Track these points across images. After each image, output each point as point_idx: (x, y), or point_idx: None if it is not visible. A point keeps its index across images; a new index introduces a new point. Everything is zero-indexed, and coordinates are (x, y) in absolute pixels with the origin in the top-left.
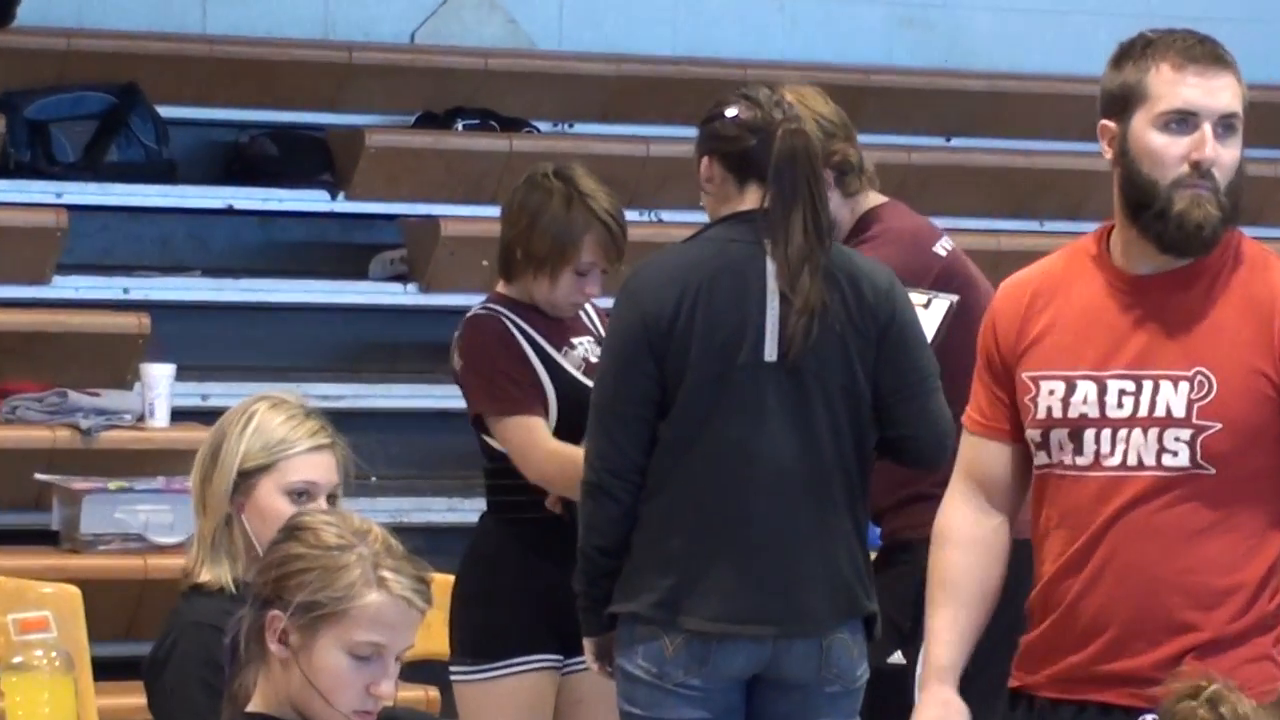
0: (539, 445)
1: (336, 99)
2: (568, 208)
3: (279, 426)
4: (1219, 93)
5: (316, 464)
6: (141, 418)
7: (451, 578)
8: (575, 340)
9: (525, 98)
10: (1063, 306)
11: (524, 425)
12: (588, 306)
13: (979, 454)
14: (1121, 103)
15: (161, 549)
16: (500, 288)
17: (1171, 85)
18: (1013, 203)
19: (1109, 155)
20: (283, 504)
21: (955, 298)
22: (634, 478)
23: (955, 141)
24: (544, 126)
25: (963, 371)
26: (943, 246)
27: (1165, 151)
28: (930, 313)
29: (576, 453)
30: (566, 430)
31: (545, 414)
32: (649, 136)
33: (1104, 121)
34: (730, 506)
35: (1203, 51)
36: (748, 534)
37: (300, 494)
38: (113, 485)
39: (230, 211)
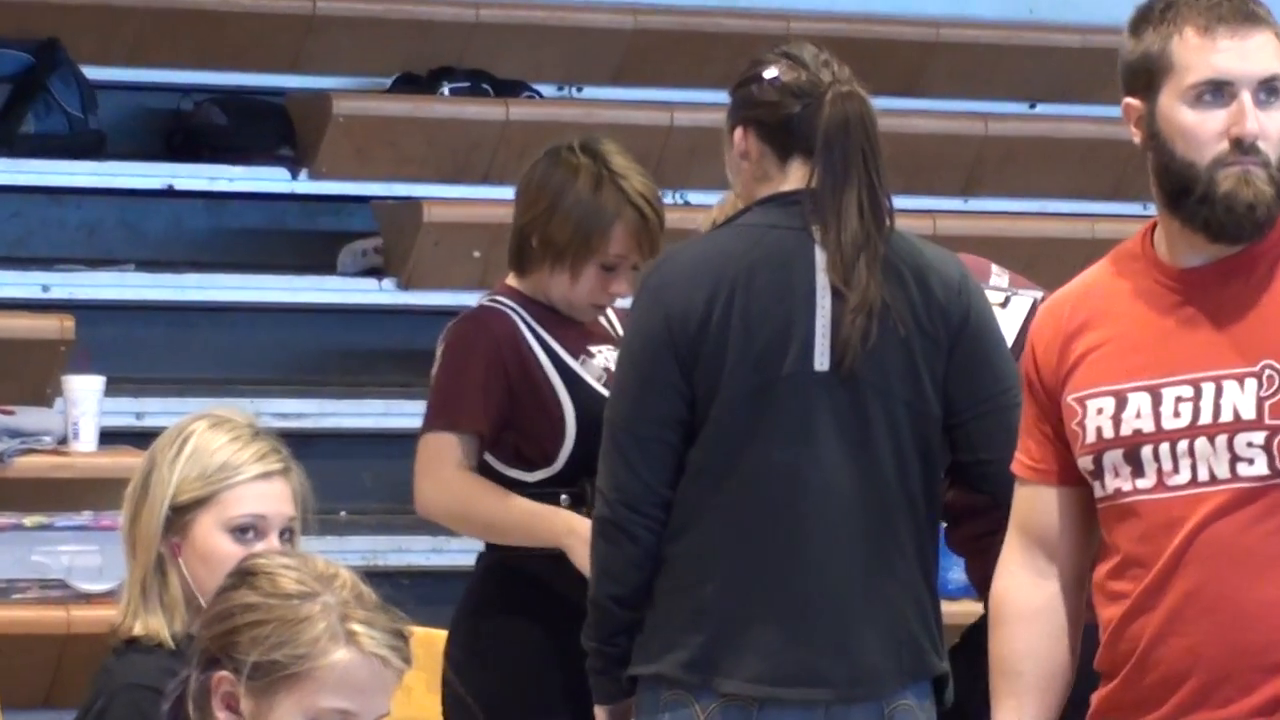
0: (437, 467)
1: (298, 57)
2: (596, 189)
3: (219, 450)
4: (1255, 54)
5: (265, 494)
6: (64, 440)
7: (441, 633)
8: (594, 348)
9: (524, 56)
10: (1107, 317)
11: (438, 442)
12: (608, 310)
13: (1033, 505)
14: (1145, 77)
15: (88, 598)
16: (511, 280)
17: (1199, 52)
18: (1110, 181)
19: (1137, 138)
20: (225, 544)
21: (1039, 293)
22: (656, 513)
23: (1041, 108)
24: (547, 90)
25: None
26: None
27: (1200, 129)
28: (1009, 313)
29: (470, 487)
30: (586, 457)
31: (484, 432)
32: (673, 102)
33: (1127, 100)
34: (774, 546)
35: (1231, 9)
36: (795, 579)
37: (246, 531)
38: (29, 522)
39: (170, 193)
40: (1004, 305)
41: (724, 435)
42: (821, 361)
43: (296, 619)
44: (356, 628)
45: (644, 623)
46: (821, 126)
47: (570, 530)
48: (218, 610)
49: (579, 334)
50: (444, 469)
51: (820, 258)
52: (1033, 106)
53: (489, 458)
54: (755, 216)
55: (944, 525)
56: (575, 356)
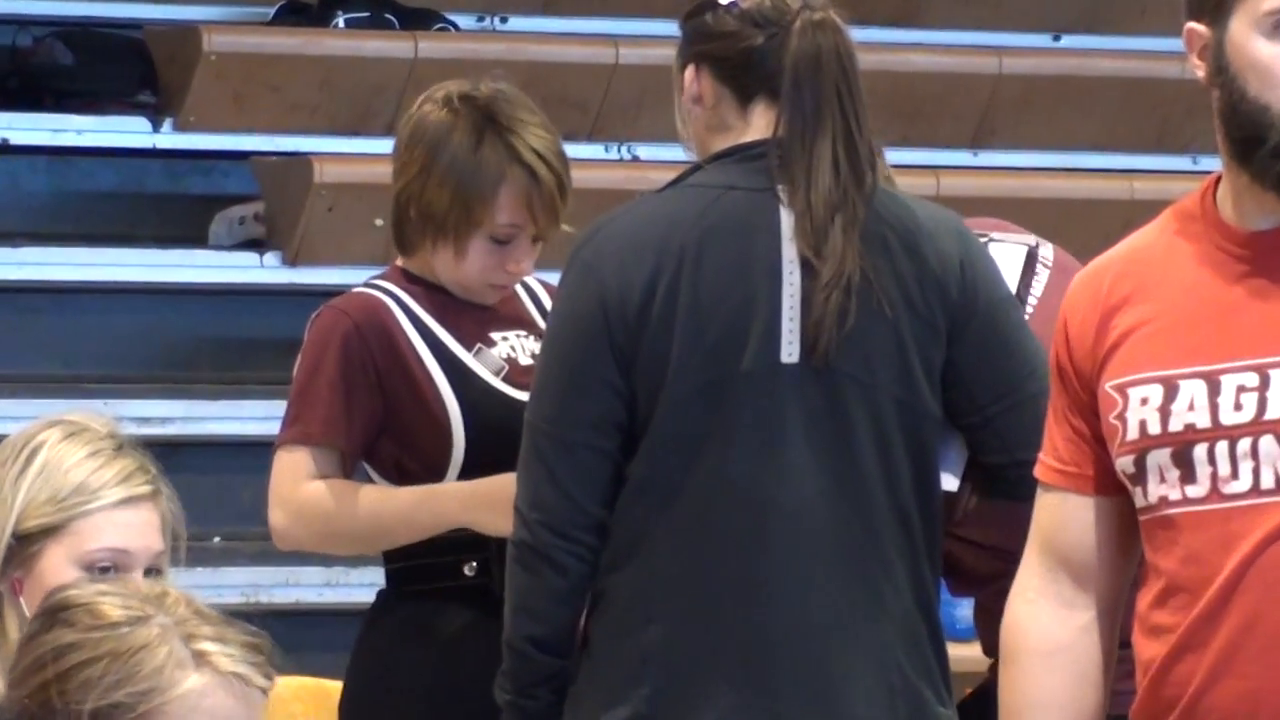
0: (289, 488)
1: None
2: (476, 145)
3: (75, 468)
4: None
5: (129, 524)
6: None
7: (336, 684)
8: (498, 334)
9: None
10: (1157, 288)
11: (290, 459)
12: (534, 285)
13: (1058, 517)
14: None
15: None
16: (400, 261)
17: None
18: (1152, 129)
19: (1201, 73)
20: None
21: (1032, 241)
22: (587, 538)
23: (1067, 40)
24: (463, 22)
25: None
26: None
27: (1275, 65)
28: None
29: (327, 495)
30: (482, 470)
31: (344, 446)
32: (618, 35)
33: (1190, 24)
34: (734, 579)
35: None
36: (760, 618)
37: (105, 569)
38: None
39: (3, 149)
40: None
41: (671, 444)
42: (789, 352)
43: (131, 649)
44: (205, 646)
45: (576, 673)
46: (789, 62)
47: (465, 503)
48: (29, 661)
49: (478, 319)
50: (295, 488)
51: (787, 223)
52: (1057, 39)
53: (370, 472)
54: (709, 175)
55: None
56: (469, 347)
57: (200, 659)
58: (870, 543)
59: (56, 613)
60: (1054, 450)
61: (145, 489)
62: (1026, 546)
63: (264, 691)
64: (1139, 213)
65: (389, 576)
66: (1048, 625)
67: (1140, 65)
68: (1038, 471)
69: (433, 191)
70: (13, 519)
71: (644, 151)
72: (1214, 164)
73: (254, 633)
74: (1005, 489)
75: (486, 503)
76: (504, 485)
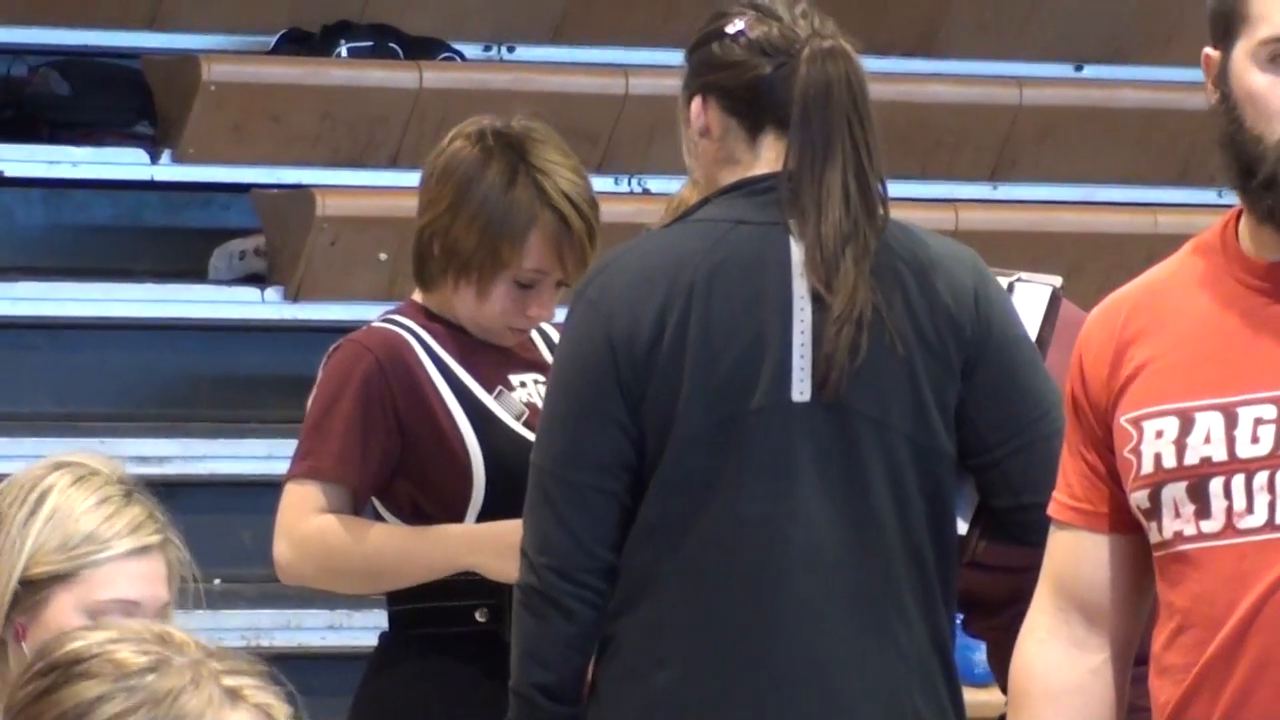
0: (294, 520)
1: (158, 11)
2: (509, 185)
3: (86, 516)
4: None
5: (139, 574)
6: None
7: None
8: (517, 378)
9: (442, 7)
10: (1174, 320)
11: (299, 493)
12: (547, 329)
13: (1072, 555)
14: (1223, 22)
15: None
16: (416, 296)
17: (1272, 3)
18: (1176, 162)
19: (1213, 98)
20: None
21: (1057, 281)
22: (596, 582)
23: (1089, 71)
24: (470, 51)
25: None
26: None
27: (1268, 96)
28: (1020, 306)
29: (332, 529)
30: (499, 514)
31: (356, 485)
32: (628, 65)
33: (1207, 50)
34: (745, 621)
35: None
36: (772, 661)
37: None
38: None
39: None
40: (1008, 292)
41: (681, 484)
42: (801, 390)
43: (171, 693)
44: (231, 681)
45: (583, 718)
46: (798, 91)
47: (471, 545)
48: None
49: (497, 361)
50: (301, 521)
51: (798, 258)
52: (1079, 69)
53: (383, 512)
54: (717, 209)
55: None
56: (490, 389)
57: (234, 695)
58: (884, 583)
59: (70, 666)
60: (1068, 487)
61: (155, 538)
62: (1039, 585)
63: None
64: (1162, 247)
65: (393, 619)
66: (1058, 666)
67: (1164, 96)
68: (1052, 509)
69: (460, 229)
70: (21, 564)
71: (655, 184)
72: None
73: (253, 661)
74: (1012, 533)
75: (493, 547)
76: (513, 530)
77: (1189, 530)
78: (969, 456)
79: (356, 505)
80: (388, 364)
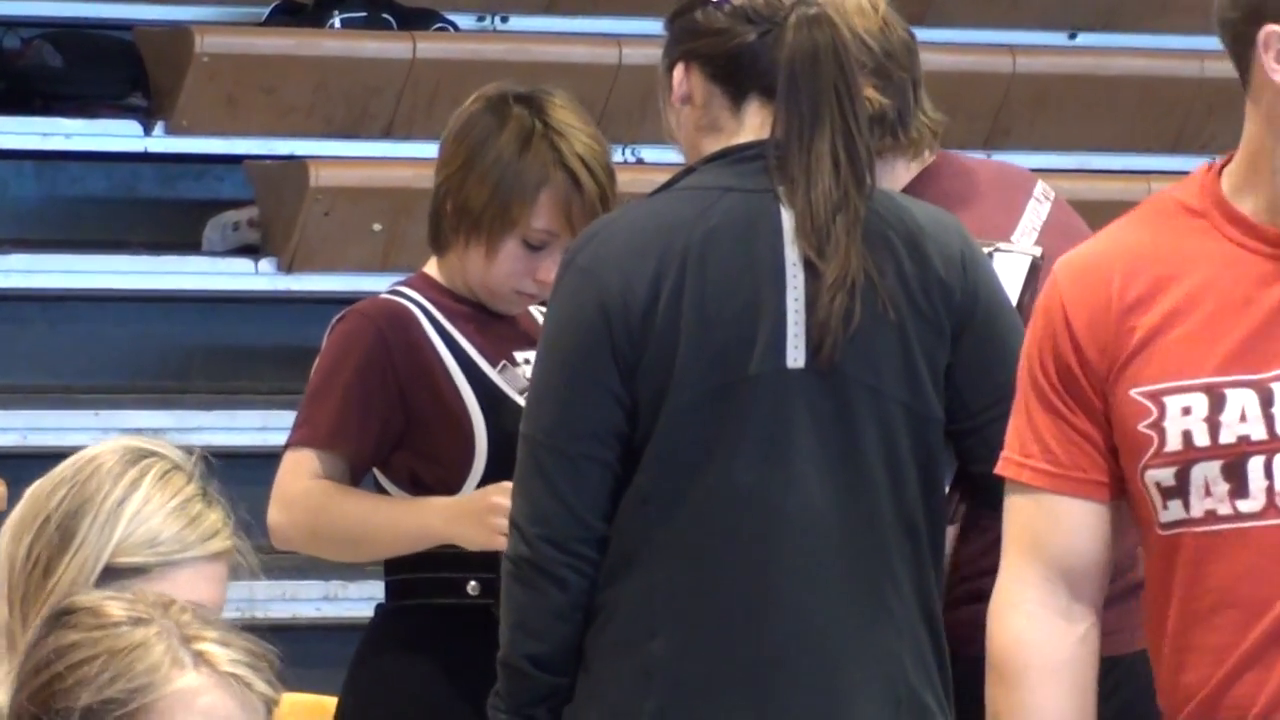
0: (289, 484)
1: None
2: (523, 146)
3: (174, 515)
4: None
5: (209, 578)
6: None
7: (332, 700)
8: (521, 354)
9: None
10: (1176, 287)
11: (296, 458)
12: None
13: (1054, 522)
14: None
15: None
16: (429, 267)
17: None
18: (1170, 130)
19: (1277, 76)
20: None
21: (1038, 251)
22: (588, 551)
23: (1083, 39)
24: (463, 21)
25: None
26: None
27: None
28: (1001, 274)
29: (320, 493)
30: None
31: (355, 455)
32: (621, 35)
33: (1271, 27)
34: (740, 590)
35: None
36: (767, 630)
37: None
38: None
39: None
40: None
41: (675, 452)
42: (795, 356)
43: (130, 646)
44: (205, 646)
45: (575, 688)
46: (784, 59)
47: (447, 515)
48: (32, 665)
49: (503, 335)
50: (295, 483)
51: (789, 224)
52: (1073, 37)
53: (387, 485)
54: (703, 177)
55: None
56: (494, 363)
57: (199, 658)
58: (877, 550)
59: (61, 616)
60: (1044, 452)
61: (227, 544)
62: (1011, 553)
63: (267, 701)
64: None
65: (389, 588)
66: (1050, 640)
67: (1158, 64)
68: (1015, 473)
69: (472, 187)
70: (109, 550)
71: (649, 154)
72: None
73: (261, 644)
74: (992, 500)
75: (469, 516)
76: (481, 498)
77: (1224, 509)
78: (952, 421)
79: (354, 476)
80: (391, 335)
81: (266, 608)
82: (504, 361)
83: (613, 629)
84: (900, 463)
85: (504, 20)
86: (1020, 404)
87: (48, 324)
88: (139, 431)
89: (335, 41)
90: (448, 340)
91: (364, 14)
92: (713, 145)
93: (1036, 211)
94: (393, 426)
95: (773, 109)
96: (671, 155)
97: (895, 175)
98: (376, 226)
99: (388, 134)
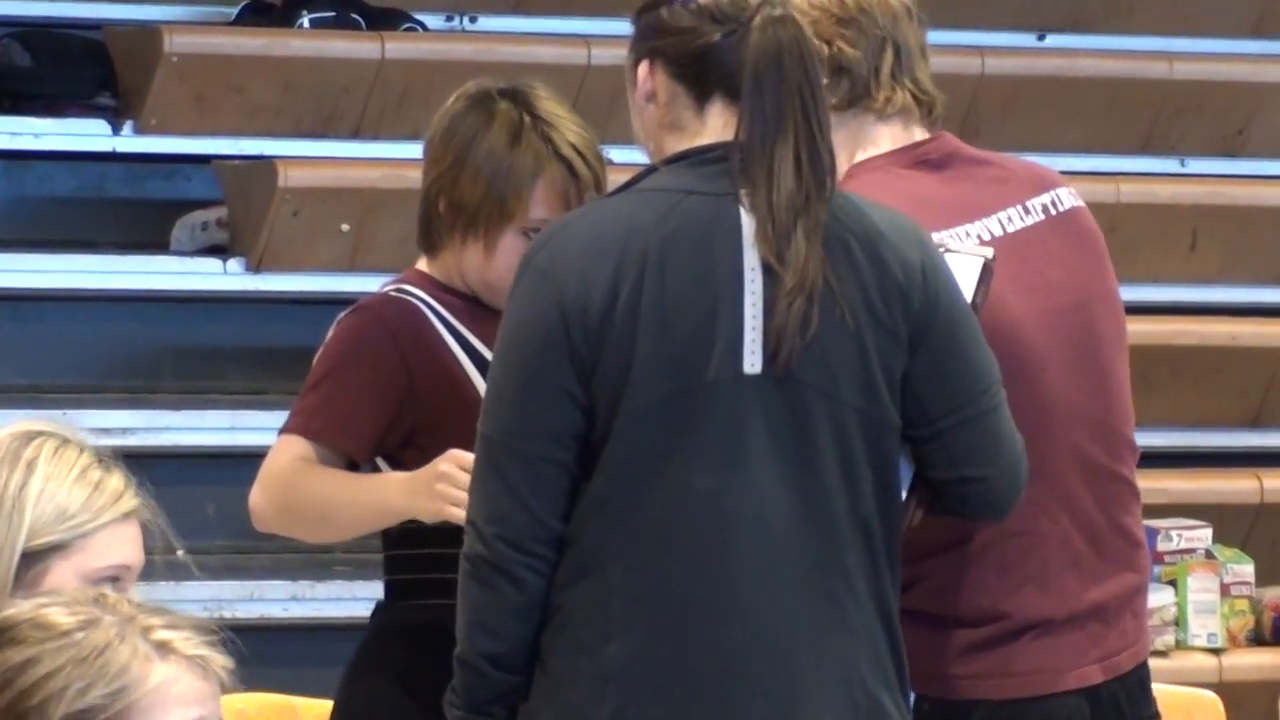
0: (272, 461)
1: None
2: (514, 140)
3: (75, 486)
4: None
5: (126, 539)
6: None
7: (303, 702)
8: None
9: None
10: None
11: (287, 443)
12: None
13: None
14: None
15: None
16: (422, 264)
17: None
18: (1138, 132)
19: None
20: None
21: (989, 252)
22: (545, 551)
23: (1052, 40)
24: (432, 22)
25: None
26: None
27: None
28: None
29: (296, 470)
30: None
31: (352, 453)
32: (590, 35)
33: None
34: (696, 594)
35: None
36: (724, 634)
37: (109, 581)
38: None
39: None
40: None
41: (632, 456)
42: (752, 362)
43: (94, 651)
44: (163, 635)
45: (530, 690)
46: (749, 59)
47: (405, 488)
48: None
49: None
50: (276, 462)
51: (749, 228)
52: (1041, 38)
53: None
54: (666, 179)
55: None
56: None
57: (163, 648)
58: (833, 556)
59: (2, 633)
60: None
61: (135, 503)
62: None
63: (225, 670)
64: (1125, 216)
65: (388, 588)
66: None
67: (1127, 65)
68: None
69: (466, 184)
70: (23, 537)
71: (618, 154)
72: (1202, 165)
73: (200, 620)
74: (948, 505)
75: (421, 487)
76: (431, 467)
77: None
78: (910, 428)
79: (350, 468)
80: (401, 333)
81: (234, 608)
82: None
83: (570, 630)
84: (856, 468)
85: (473, 20)
86: None
87: (15, 323)
88: (108, 431)
89: (304, 41)
90: (456, 335)
91: (333, 14)
92: (676, 144)
93: (1011, 219)
94: (400, 426)
95: (736, 109)
96: (641, 155)
97: (865, 133)
98: (345, 226)
99: (356, 134)
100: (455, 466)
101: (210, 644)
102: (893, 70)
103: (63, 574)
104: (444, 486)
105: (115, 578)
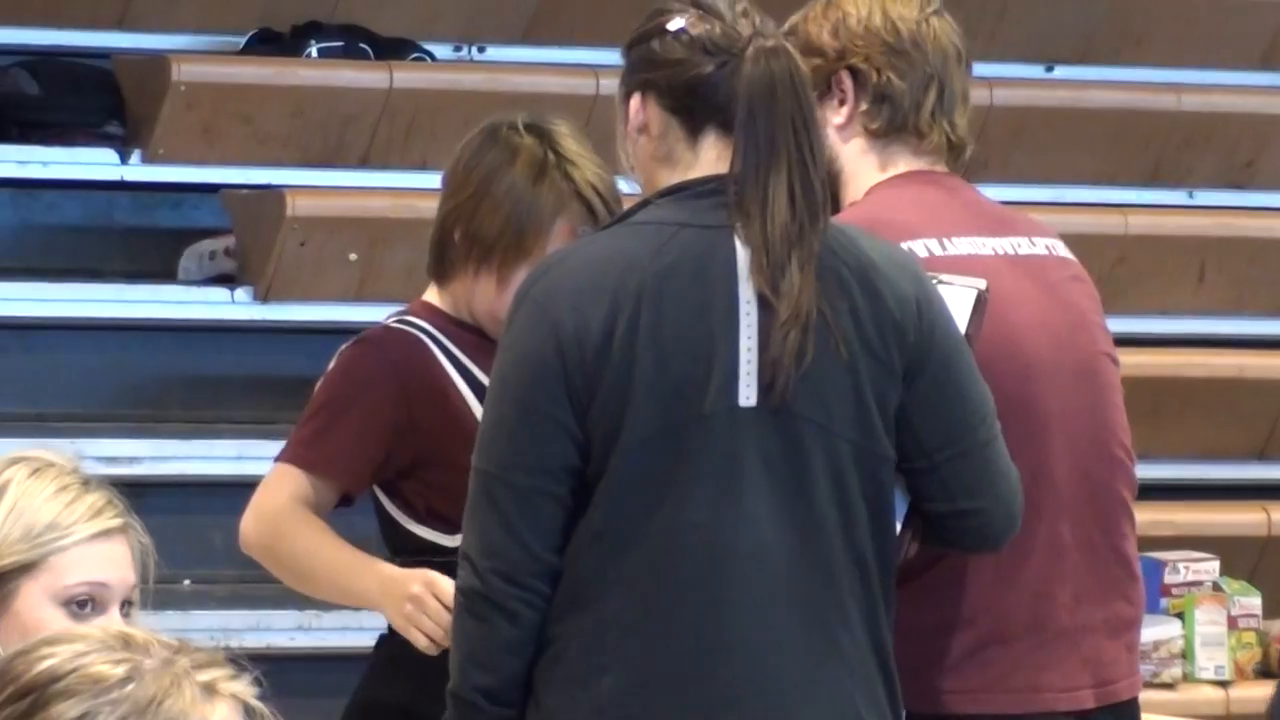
0: (270, 495)
1: (127, 11)
2: (537, 177)
3: (47, 505)
4: None
5: (104, 557)
6: None
7: None
8: None
9: (412, 7)
10: None
11: (283, 472)
12: None
13: None
14: None
15: None
16: (430, 295)
17: None
18: (1147, 163)
19: None
20: (58, 620)
21: (983, 284)
22: (540, 585)
23: (1060, 71)
24: (440, 51)
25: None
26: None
27: None
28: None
29: (288, 518)
30: None
31: (346, 485)
32: (598, 66)
33: None
34: (691, 628)
35: None
36: (718, 668)
37: (84, 603)
38: None
39: None
40: None
41: (628, 489)
42: (747, 395)
43: (154, 699)
44: (204, 676)
45: None
46: (741, 91)
47: (381, 587)
48: None
49: None
50: (274, 497)
51: (744, 261)
52: (1050, 69)
53: (397, 515)
54: (660, 212)
55: None
56: None
57: (210, 690)
58: (827, 589)
59: (46, 686)
60: None
61: (116, 522)
62: None
63: (260, 704)
64: (1133, 248)
65: (390, 627)
66: None
67: (1135, 97)
68: None
69: (486, 215)
70: None
71: (626, 185)
72: (1209, 198)
73: (216, 651)
74: (946, 537)
75: (392, 597)
76: (405, 583)
77: None
78: (906, 460)
79: (343, 499)
80: (404, 364)
81: (240, 637)
82: None
83: (564, 664)
84: (850, 501)
85: (481, 50)
86: None
87: (23, 352)
88: (115, 460)
89: (312, 71)
90: (459, 368)
91: (341, 43)
92: (668, 176)
93: (1019, 245)
94: (397, 456)
95: (729, 141)
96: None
97: (893, 162)
98: (353, 256)
99: (364, 163)
100: (428, 592)
101: (239, 677)
102: (933, 110)
103: (32, 594)
104: (411, 610)
105: (90, 597)
